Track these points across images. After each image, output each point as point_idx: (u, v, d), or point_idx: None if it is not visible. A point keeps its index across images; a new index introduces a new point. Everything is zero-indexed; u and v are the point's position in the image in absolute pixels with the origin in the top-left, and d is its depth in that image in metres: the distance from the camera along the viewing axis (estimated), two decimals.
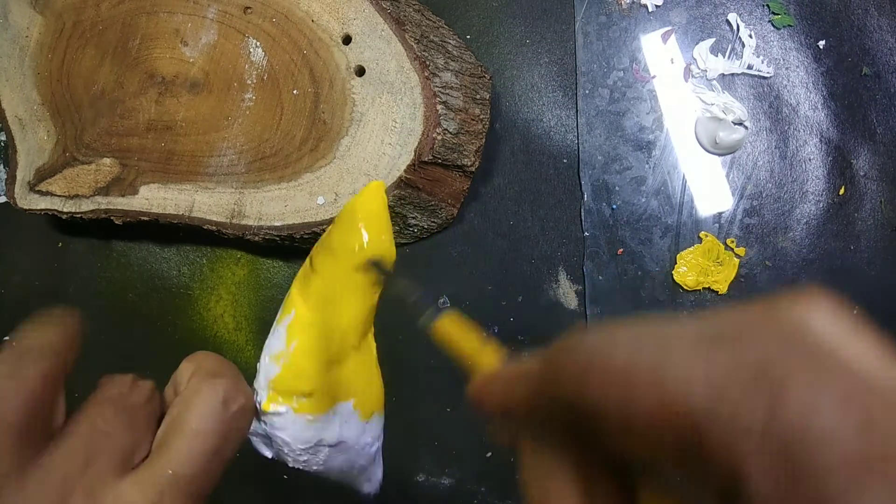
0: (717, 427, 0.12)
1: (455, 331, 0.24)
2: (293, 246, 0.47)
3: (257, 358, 0.32)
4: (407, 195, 0.44)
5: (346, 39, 0.45)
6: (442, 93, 0.43)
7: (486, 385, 0.20)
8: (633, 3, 0.49)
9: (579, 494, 0.15)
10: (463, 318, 0.23)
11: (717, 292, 0.46)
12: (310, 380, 0.29)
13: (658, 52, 0.48)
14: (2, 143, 0.57)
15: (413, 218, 0.47)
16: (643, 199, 0.48)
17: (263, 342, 0.32)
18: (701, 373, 0.12)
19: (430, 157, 0.43)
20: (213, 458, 0.24)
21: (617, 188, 0.48)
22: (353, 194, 0.44)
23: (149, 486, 0.23)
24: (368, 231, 0.31)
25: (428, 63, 0.43)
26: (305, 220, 0.45)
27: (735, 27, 0.48)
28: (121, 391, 0.24)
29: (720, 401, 0.12)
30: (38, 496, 0.21)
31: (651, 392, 0.13)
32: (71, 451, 0.22)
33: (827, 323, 0.13)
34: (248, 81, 0.46)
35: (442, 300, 0.50)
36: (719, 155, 0.47)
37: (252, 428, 0.30)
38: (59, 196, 0.50)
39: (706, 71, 0.48)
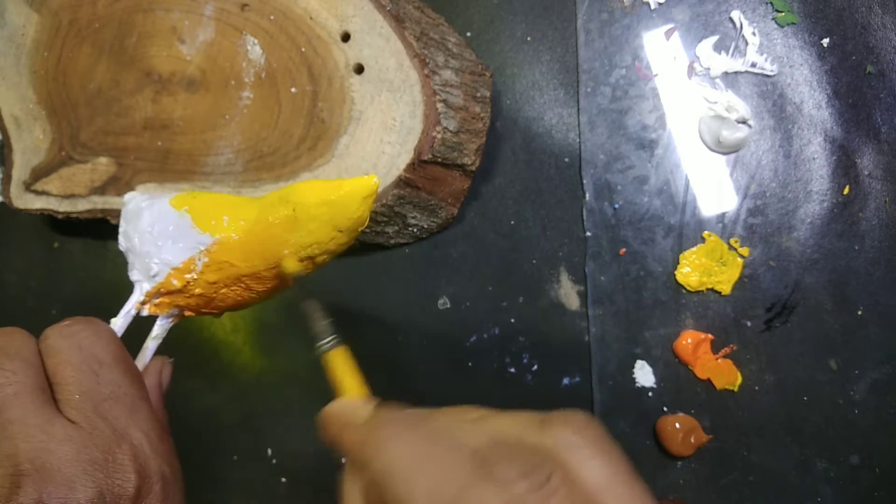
0: None
1: (340, 367, 0.27)
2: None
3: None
4: (407, 194, 0.44)
5: (345, 37, 0.44)
6: (442, 91, 0.42)
7: (327, 418, 0.24)
8: (636, 0, 0.48)
9: None
10: (352, 358, 0.27)
11: (721, 293, 0.45)
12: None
13: (661, 49, 0.48)
14: None
15: (413, 217, 0.46)
16: (646, 199, 0.47)
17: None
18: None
19: (430, 156, 0.42)
20: (90, 365, 0.27)
21: (619, 187, 0.47)
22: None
23: (79, 417, 0.25)
24: (339, 236, 0.31)
25: (428, 61, 0.42)
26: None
27: (738, 25, 0.47)
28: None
29: None
30: None
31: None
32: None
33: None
34: (246, 79, 0.46)
35: (442, 301, 0.49)
36: (723, 154, 0.47)
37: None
38: (55, 196, 0.49)
39: (709, 69, 0.47)
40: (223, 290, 0.31)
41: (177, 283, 0.31)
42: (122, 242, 0.32)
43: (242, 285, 0.31)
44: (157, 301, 0.32)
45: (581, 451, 0.17)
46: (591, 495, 0.17)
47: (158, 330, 0.32)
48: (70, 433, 0.24)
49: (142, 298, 0.32)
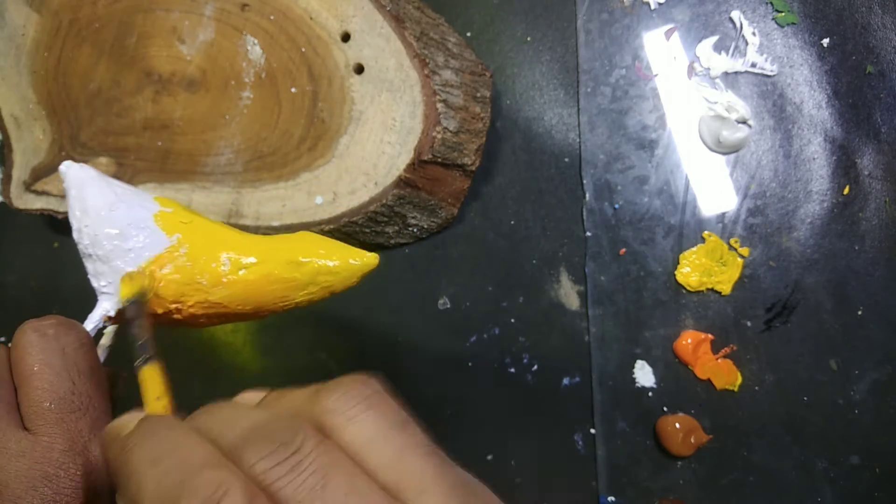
0: None
1: (147, 383, 0.26)
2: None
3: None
4: (406, 194, 0.44)
5: (345, 37, 0.44)
6: (442, 91, 0.42)
7: (103, 437, 0.23)
8: (636, 0, 0.48)
9: None
10: (161, 375, 0.26)
11: (721, 293, 0.45)
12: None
13: (661, 49, 0.48)
14: None
15: (413, 218, 0.46)
16: (646, 199, 0.47)
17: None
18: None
19: (430, 156, 0.42)
20: (69, 374, 0.26)
21: (619, 187, 0.47)
22: (351, 194, 0.44)
23: (41, 426, 0.24)
24: (325, 295, 0.31)
25: (428, 61, 0.42)
26: (303, 220, 0.45)
27: (738, 25, 0.47)
28: None
29: None
30: None
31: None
32: None
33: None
34: (246, 80, 0.46)
35: (442, 301, 0.49)
36: (723, 154, 0.47)
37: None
38: (55, 196, 0.49)
39: (709, 69, 0.47)
40: (200, 319, 0.31)
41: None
42: (81, 241, 0.30)
43: (221, 317, 0.31)
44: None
45: (345, 412, 0.17)
46: (354, 454, 0.16)
47: (108, 340, 0.31)
48: (25, 447, 0.24)
49: (111, 314, 0.30)
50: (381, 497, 0.16)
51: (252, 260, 0.30)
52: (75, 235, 0.30)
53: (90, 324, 0.30)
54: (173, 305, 0.30)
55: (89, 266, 0.30)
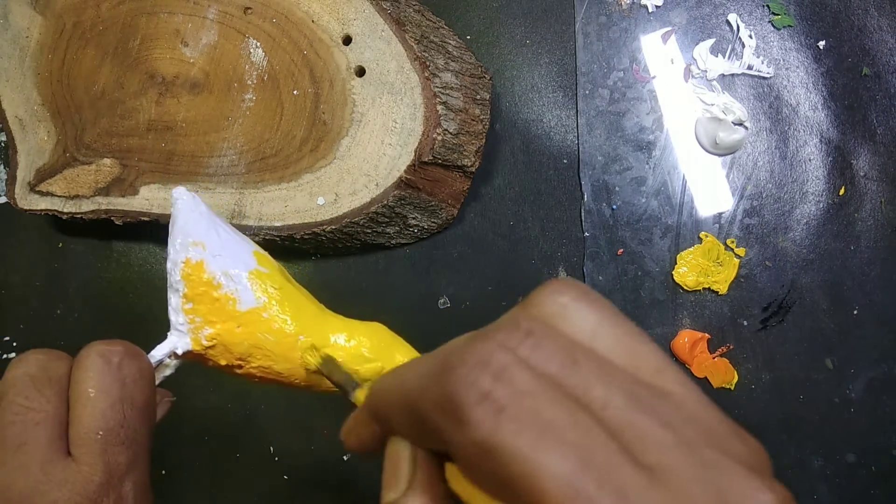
0: (428, 416, 0.16)
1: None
2: (293, 246, 0.47)
3: None
4: (407, 195, 0.44)
5: (347, 40, 0.45)
6: (442, 93, 0.43)
7: (347, 428, 0.24)
8: (634, 3, 0.49)
9: (408, 469, 0.19)
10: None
11: (718, 293, 0.46)
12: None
13: (658, 52, 0.48)
14: (2, 144, 0.57)
15: (413, 218, 0.47)
16: (643, 200, 0.48)
17: None
18: (415, 384, 0.17)
19: (431, 158, 0.43)
20: (123, 406, 0.26)
21: (617, 188, 0.48)
22: (352, 195, 0.44)
23: (85, 454, 0.24)
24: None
25: (428, 63, 0.43)
26: (305, 221, 0.45)
27: (735, 27, 0.48)
28: (41, 365, 0.26)
29: (424, 401, 0.16)
30: None
31: (400, 400, 0.18)
32: None
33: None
34: (249, 82, 0.46)
35: (442, 300, 0.49)
36: (719, 155, 0.47)
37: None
38: (60, 196, 0.50)
39: (706, 71, 0.48)
40: (256, 377, 0.31)
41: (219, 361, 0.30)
42: (172, 274, 0.30)
43: (275, 382, 0.31)
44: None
45: (562, 306, 0.17)
46: (580, 342, 0.16)
47: (171, 370, 0.31)
48: (67, 476, 0.24)
49: (179, 352, 0.30)
50: (626, 376, 0.16)
51: (328, 351, 0.30)
52: (169, 265, 0.30)
53: (156, 355, 0.29)
54: (238, 361, 0.30)
55: (172, 299, 0.30)
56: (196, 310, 0.30)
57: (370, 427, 0.21)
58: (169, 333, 0.30)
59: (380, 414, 0.19)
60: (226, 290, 0.29)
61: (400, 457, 0.19)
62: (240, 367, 0.30)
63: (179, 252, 0.30)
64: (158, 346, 0.30)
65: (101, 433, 0.25)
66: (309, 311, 0.31)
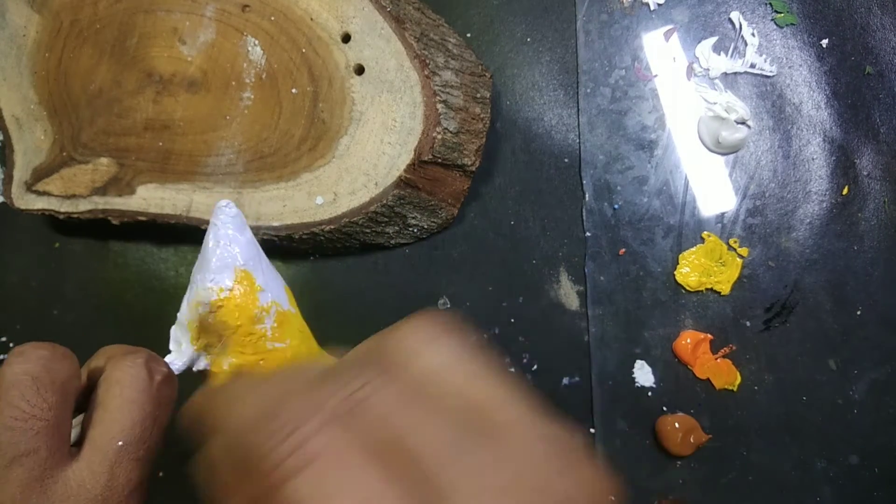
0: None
1: None
2: (291, 246, 0.47)
3: None
4: (407, 195, 0.44)
5: (346, 38, 0.44)
6: (442, 91, 0.43)
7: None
8: (635, 1, 0.48)
9: None
10: None
11: (720, 293, 0.46)
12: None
13: (660, 50, 0.48)
14: None
15: (413, 218, 0.46)
16: (645, 199, 0.47)
17: None
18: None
19: (430, 157, 0.42)
20: (152, 424, 0.25)
21: (619, 188, 0.48)
22: (351, 194, 0.44)
23: (97, 463, 0.23)
24: None
25: (428, 61, 0.43)
26: (304, 221, 0.45)
27: (737, 26, 0.47)
28: (45, 365, 0.24)
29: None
30: None
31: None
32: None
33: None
34: (247, 80, 0.46)
35: (442, 301, 0.49)
36: (722, 154, 0.47)
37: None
38: (56, 196, 0.49)
39: (708, 70, 0.47)
40: None
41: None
42: (191, 294, 0.29)
43: None
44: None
45: (420, 343, 0.17)
46: (423, 386, 0.17)
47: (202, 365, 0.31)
48: (67, 492, 0.23)
49: (195, 371, 0.29)
50: (457, 418, 0.16)
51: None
52: (201, 280, 0.29)
53: (174, 368, 0.29)
54: None
55: (197, 316, 0.29)
56: (225, 337, 0.29)
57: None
58: (183, 347, 0.29)
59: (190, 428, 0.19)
60: (262, 327, 0.29)
61: None
62: None
63: (219, 273, 0.29)
64: (175, 359, 0.29)
65: (122, 443, 0.24)
66: (314, 354, 0.31)
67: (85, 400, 0.26)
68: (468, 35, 0.50)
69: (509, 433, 0.16)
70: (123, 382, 0.25)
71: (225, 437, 0.17)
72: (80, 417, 0.26)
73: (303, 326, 0.31)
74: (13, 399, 0.23)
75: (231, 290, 0.29)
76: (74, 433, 0.25)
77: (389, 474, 0.15)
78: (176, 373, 0.28)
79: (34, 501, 0.22)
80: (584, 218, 0.48)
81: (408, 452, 0.15)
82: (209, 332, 0.29)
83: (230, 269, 0.29)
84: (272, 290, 0.30)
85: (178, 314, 0.30)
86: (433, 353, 0.17)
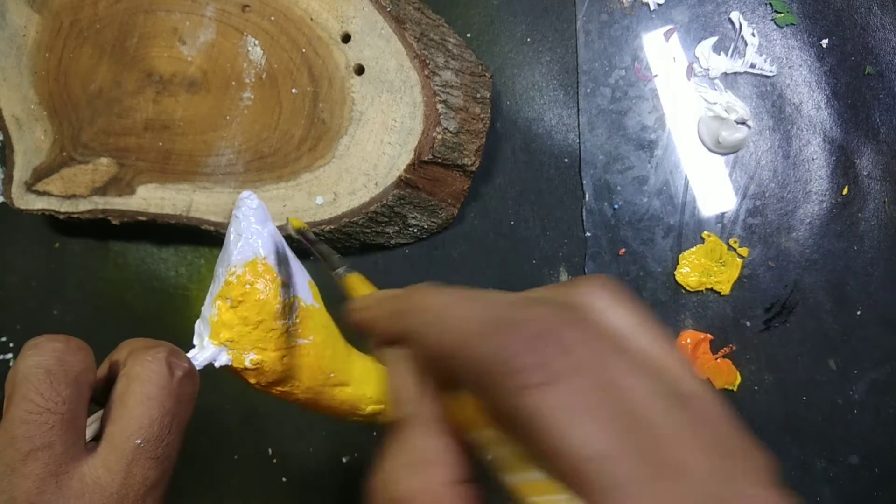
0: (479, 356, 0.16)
1: (360, 284, 0.27)
2: (291, 246, 0.47)
3: None
4: (407, 195, 0.44)
5: (346, 38, 0.44)
6: (442, 91, 0.43)
7: (359, 305, 0.22)
8: (635, 1, 0.48)
9: (417, 388, 0.19)
10: (365, 278, 0.27)
11: (720, 293, 0.46)
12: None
13: (660, 50, 0.48)
14: None
15: (413, 218, 0.46)
16: (645, 199, 0.47)
17: None
18: (476, 324, 0.16)
19: (430, 157, 0.42)
20: (171, 421, 0.24)
21: (619, 188, 0.48)
22: (351, 194, 0.44)
23: (114, 461, 0.23)
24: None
25: (428, 61, 0.43)
26: (304, 221, 0.45)
27: (737, 26, 0.47)
28: (59, 357, 0.23)
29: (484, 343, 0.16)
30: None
31: (440, 333, 0.17)
32: (10, 439, 0.22)
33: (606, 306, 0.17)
34: (247, 80, 0.46)
35: None
36: (722, 154, 0.47)
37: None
38: (57, 196, 0.49)
39: (708, 70, 0.47)
40: (291, 398, 0.31)
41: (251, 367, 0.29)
42: (215, 286, 0.28)
43: (296, 402, 0.32)
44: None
45: (604, 301, 0.17)
46: (618, 337, 0.17)
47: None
48: (83, 489, 0.22)
49: (217, 366, 0.29)
50: (659, 375, 0.16)
51: (349, 389, 0.31)
52: (222, 271, 0.28)
53: (196, 363, 0.28)
54: (266, 383, 0.30)
55: (218, 311, 0.29)
56: (247, 332, 0.28)
57: (388, 323, 0.20)
58: (205, 342, 0.29)
59: (409, 331, 0.19)
60: (285, 322, 0.29)
61: (406, 375, 0.19)
62: (264, 386, 0.30)
63: (241, 267, 0.28)
64: (197, 355, 0.28)
65: (140, 441, 0.23)
66: (339, 349, 0.31)
67: (105, 394, 0.25)
68: (468, 35, 0.50)
69: (701, 399, 0.16)
70: (143, 378, 0.24)
71: (452, 336, 0.17)
72: (99, 413, 0.25)
73: (327, 322, 0.31)
74: (27, 392, 0.22)
75: (253, 283, 0.28)
76: (94, 428, 0.25)
77: (629, 409, 0.14)
78: (198, 368, 0.28)
79: (49, 497, 0.22)
80: (584, 218, 0.48)
81: (623, 392, 0.15)
82: (231, 327, 0.28)
83: (252, 263, 0.28)
84: (295, 284, 0.30)
85: (202, 308, 0.29)
86: (620, 312, 0.17)
